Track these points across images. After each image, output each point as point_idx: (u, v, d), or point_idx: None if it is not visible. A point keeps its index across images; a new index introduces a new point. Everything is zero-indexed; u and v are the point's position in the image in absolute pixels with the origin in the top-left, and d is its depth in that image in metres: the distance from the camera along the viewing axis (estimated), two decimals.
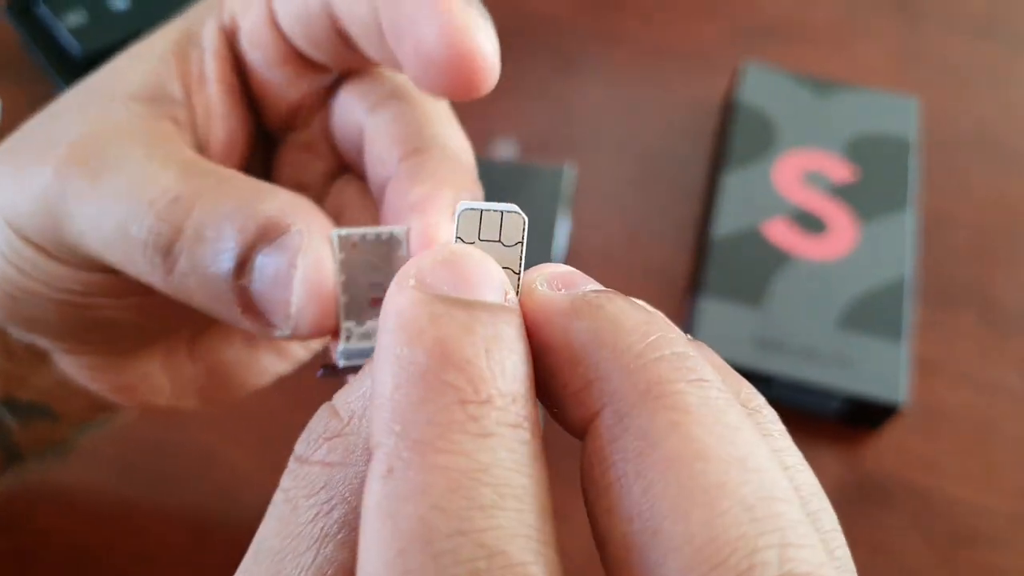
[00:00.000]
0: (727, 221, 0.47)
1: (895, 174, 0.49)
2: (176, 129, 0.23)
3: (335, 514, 0.14)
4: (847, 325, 0.44)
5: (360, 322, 0.20)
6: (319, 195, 0.27)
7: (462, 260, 0.14)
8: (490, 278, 0.14)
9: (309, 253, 0.20)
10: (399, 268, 0.16)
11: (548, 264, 0.16)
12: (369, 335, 0.20)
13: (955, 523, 0.42)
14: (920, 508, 0.42)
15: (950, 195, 0.53)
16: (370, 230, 0.20)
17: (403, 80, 0.25)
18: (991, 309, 0.48)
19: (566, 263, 0.47)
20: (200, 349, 0.29)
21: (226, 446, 0.41)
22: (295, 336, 0.21)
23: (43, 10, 0.50)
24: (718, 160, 0.51)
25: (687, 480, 0.12)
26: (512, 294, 0.15)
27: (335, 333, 0.21)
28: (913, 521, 0.42)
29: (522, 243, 0.16)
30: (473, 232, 0.16)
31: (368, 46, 0.22)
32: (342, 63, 0.24)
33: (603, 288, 0.15)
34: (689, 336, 0.15)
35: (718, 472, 0.12)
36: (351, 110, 0.25)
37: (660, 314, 0.15)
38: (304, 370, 0.31)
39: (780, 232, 0.47)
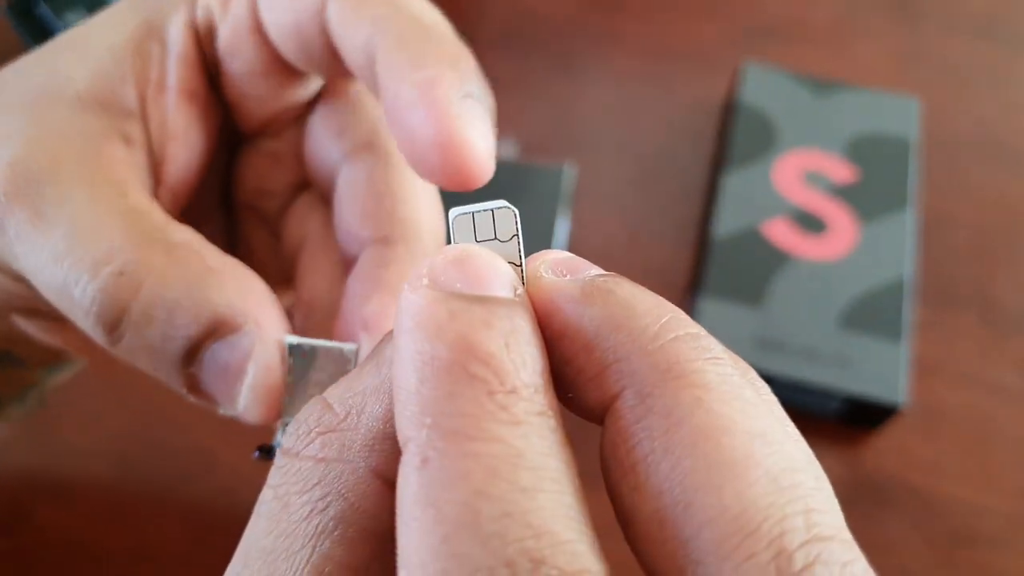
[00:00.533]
0: (727, 221, 0.47)
1: (895, 174, 0.49)
2: (126, 152, 0.22)
3: (331, 510, 0.14)
4: (847, 325, 0.44)
5: None
6: (281, 205, 0.27)
7: (472, 259, 0.14)
8: (500, 274, 0.15)
9: (260, 360, 0.20)
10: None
11: (547, 251, 0.16)
12: None
13: (955, 523, 0.42)
14: (920, 508, 0.42)
15: (950, 195, 0.53)
16: (321, 343, 0.20)
17: (381, 118, 0.24)
18: (991, 309, 0.49)
19: None
20: None
21: (226, 446, 0.41)
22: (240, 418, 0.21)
23: (43, 10, 0.50)
24: (718, 160, 0.51)
25: (715, 454, 0.13)
26: (520, 288, 0.15)
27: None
28: (913, 521, 0.42)
29: (518, 235, 0.16)
30: (469, 235, 0.16)
31: (358, 71, 0.21)
32: (330, 74, 0.23)
33: (607, 272, 0.16)
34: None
35: (744, 445, 0.13)
36: (327, 147, 0.24)
37: (663, 298, 0.16)
38: None
39: (780, 232, 0.47)
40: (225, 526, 0.39)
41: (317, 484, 0.15)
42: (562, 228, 0.47)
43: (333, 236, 0.25)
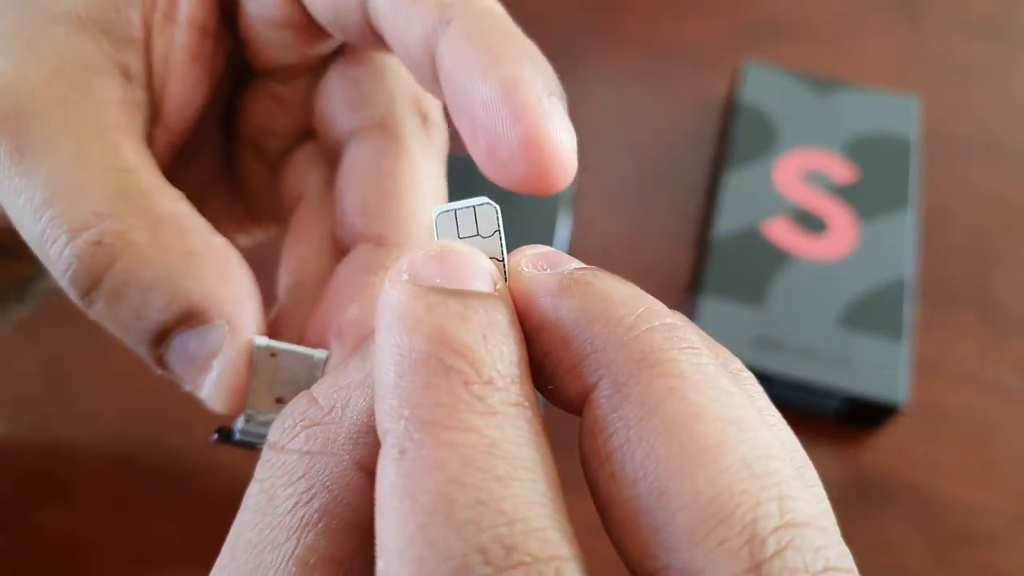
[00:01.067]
0: (728, 220, 0.47)
1: (896, 174, 0.49)
2: (123, 88, 0.21)
3: (315, 503, 0.15)
4: (847, 324, 0.44)
5: (262, 412, 0.21)
6: (282, 148, 0.26)
7: (451, 254, 0.15)
8: (479, 269, 0.15)
9: (227, 357, 0.20)
10: (308, 387, 0.17)
11: (529, 246, 0.16)
12: (267, 424, 0.20)
13: (954, 523, 0.42)
14: (919, 507, 0.43)
15: (951, 195, 0.53)
16: (292, 348, 0.20)
17: (401, 94, 0.24)
18: (991, 309, 0.49)
19: None
20: None
21: (227, 446, 0.41)
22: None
23: None
24: (719, 159, 0.51)
25: (688, 441, 0.13)
26: (501, 284, 0.15)
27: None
28: (912, 521, 0.42)
29: (499, 231, 0.16)
30: (452, 232, 0.16)
31: (409, 60, 0.20)
32: (361, 45, 0.22)
33: (586, 265, 0.16)
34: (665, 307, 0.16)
35: (717, 432, 0.13)
36: (340, 116, 0.24)
37: (640, 289, 0.16)
38: None
39: (781, 231, 0.47)
40: (225, 525, 0.39)
41: (302, 477, 0.15)
42: (563, 227, 0.47)
43: (329, 203, 0.25)
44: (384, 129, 0.23)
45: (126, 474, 0.41)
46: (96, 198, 0.19)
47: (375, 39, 0.20)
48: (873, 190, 0.48)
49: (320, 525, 0.14)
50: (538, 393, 0.15)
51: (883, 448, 0.44)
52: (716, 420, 0.13)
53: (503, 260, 0.16)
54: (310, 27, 0.22)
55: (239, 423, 0.21)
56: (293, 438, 0.15)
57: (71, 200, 0.19)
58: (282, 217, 0.26)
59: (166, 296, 0.19)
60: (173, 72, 0.22)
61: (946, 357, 0.47)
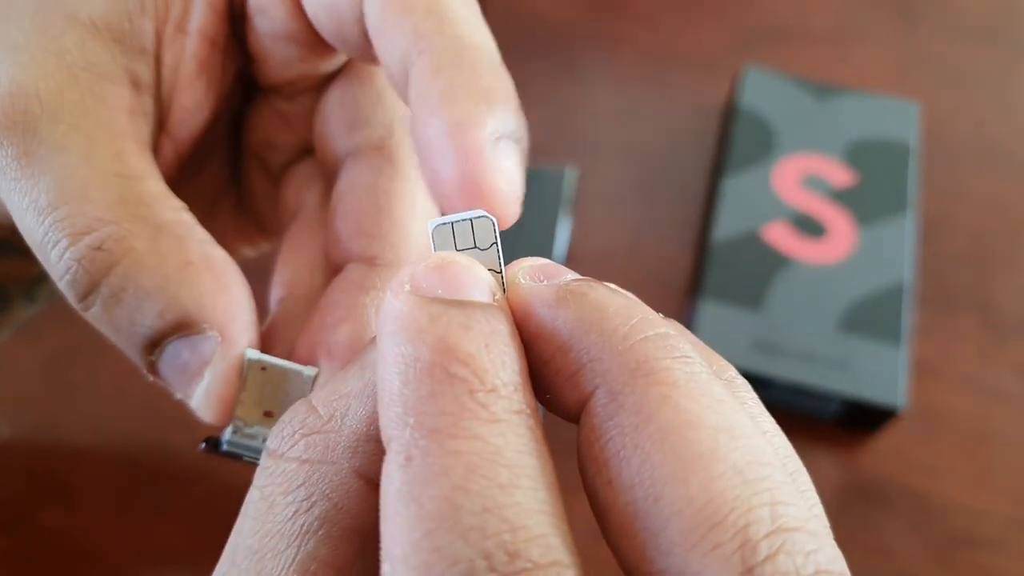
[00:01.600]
0: (727, 224, 0.47)
1: (895, 178, 0.49)
2: (132, 98, 0.21)
3: (315, 510, 0.15)
4: (846, 328, 0.44)
5: (249, 424, 0.21)
6: (284, 163, 0.26)
7: (451, 266, 0.15)
8: (478, 280, 0.15)
9: (218, 369, 0.20)
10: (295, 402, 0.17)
11: (526, 259, 0.17)
12: (255, 437, 0.21)
13: (953, 526, 0.42)
14: (918, 511, 0.43)
15: (949, 199, 0.53)
16: (282, 364, 0.21)
17: (400, 116, 0.24)
18: (990, 313, 0.49)
19: (566, 265, 0.47)
20: None
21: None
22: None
23: None
24: (718, 164, 0.51)
25: (682, 448, 0.13)
26: (499, 294, 0.15)
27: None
28: (911, 524, 0.42)
29: (496, 243, 0.16)
30: (449, 244, 0.16)
31: (392, 79, 0.20)
32: (362, 60, 0.23)
33: (582, 277, 0.16)
34: (661, 315, 0.16)
35: (710, 440, 0.13)
36: (338, 135, 0.24)
37: (635, 298, 0.16)
38: None
39: (780, 236, 0.47)
40: (227, 527, 0.39)
41: (302, 485, 0.15)
42: (563, 231, 0.47)
43: (324, 219, 0.25)
44: (381, 150, 0.23)
45: (128, 475, 0.41)
46: (99, 204, 0.19)
47: (373, 55, 0.21)
48: (872, 195, 0.49)
49: (320, 532, 0.15)
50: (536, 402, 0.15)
51: (882, 452, 0.44)
52: (709, 428, 0.13)
53: (501, 272, 0.16)
54: (315, 42, 0.22)
55: (227, 434, 0.21)
56: (292, 446, 0.16)
57: (74, 205, 0.19)
58: (282, 232, 0.27)
59: (161, 304, 0.19)
60: (182, 83, 0.22)
61: (945, 361, 0.47)
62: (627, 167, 0.53)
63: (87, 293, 0.20)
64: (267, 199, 0.27)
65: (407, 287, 0.15)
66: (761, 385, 0.43)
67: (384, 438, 0.14)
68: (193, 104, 0.22)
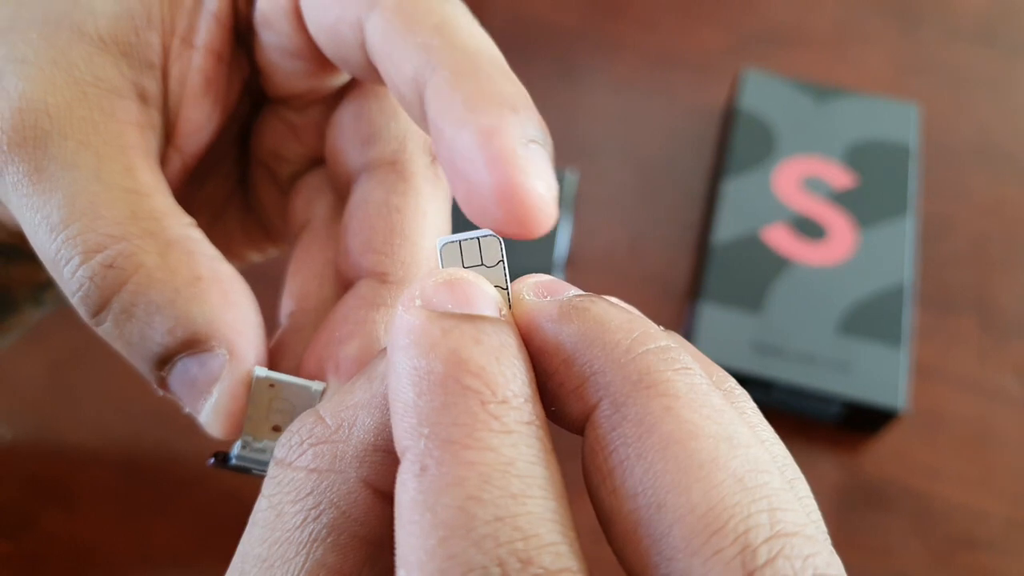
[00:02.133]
0: (727, 227, 0.47)
1: (895, 180, 0.49)
2: (140, 112, 0.21)
3: (324, 518, 0.15)
4: (847, 330, 0.44)
5: (258, 439, 0.21)
6: (293, 173, 0.26)
7: (460, 282, 0.16)
8: (486, 295, 0.16)
9: (226, 386, 0.20)
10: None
11: (530, 275, 0.17)
12: (264, 451, 0.21)
13: (953, 527, 0.42)
14: (919, 512, 0.43)
15: (950, 201, 0.53)
16: (290, 380, 0.21)
17: (412, 131, 0.24)
18: (990, 314, 0.49)
19: (567, 268, 0.48)
20: None
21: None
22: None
23: None
24: (718, 166, 0.52)
25: (684, 458, 0.14)
26: (506, 309, 0.16)
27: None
28: (912, 525, 0.42)
29: (503, 261, 0.17)
30: (456, 262, 0.17)
31: (401, 100, 0.20)
32: (368, 80, 0.23)
33: (585, 292, 0.17)
34: (663, 327, 0.16)
35: (710, 449, 0.14)
36: (351, 150, 0.24)
37: (637, 311, 0.16)
38: None
39: (780, 238, 0.47)
40: (230, 531, 0.39)
41: (310, 494, 0.15)
42: (564, 234, 0.47)
43: (334, 231, 0.25)
44: (394, 166, 0.24)
45: (130, 479, 0.41)
46: (110, 220, 0.19)
47: (377, 76, 0.20)
48: (872, 197, 0.49)
49: (329, 540, 0.15)
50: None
51: (882, 453, 0.44)
52: (709, 437, 0.14)
53: (507, 288, 0.17)
54: (321, 59, 0.22)
55: (236, 449, 0.21)
56: (300, 455, 0.16)
57: (86, 221, 0.19)
58: (290, 241, 0.27)
59: (171, 321, 0.20)
60: (188, 96, 0.22)
61: (945, 363, 0.47)
62: (627, 170, 0.53)
63: (99, 309, 0.20)
64: (276, 208, 0.27)
65: (418, 302, 0.15)
66: (762, 387, 0.43)
67: (399, 448, 0.14)
68: (200, 117, 0.23)
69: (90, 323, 0.20)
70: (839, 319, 0.44)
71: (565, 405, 0.15)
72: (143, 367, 0.21)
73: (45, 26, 0.20)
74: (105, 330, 0.20)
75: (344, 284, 0.24)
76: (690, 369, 0.15)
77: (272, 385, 0.21)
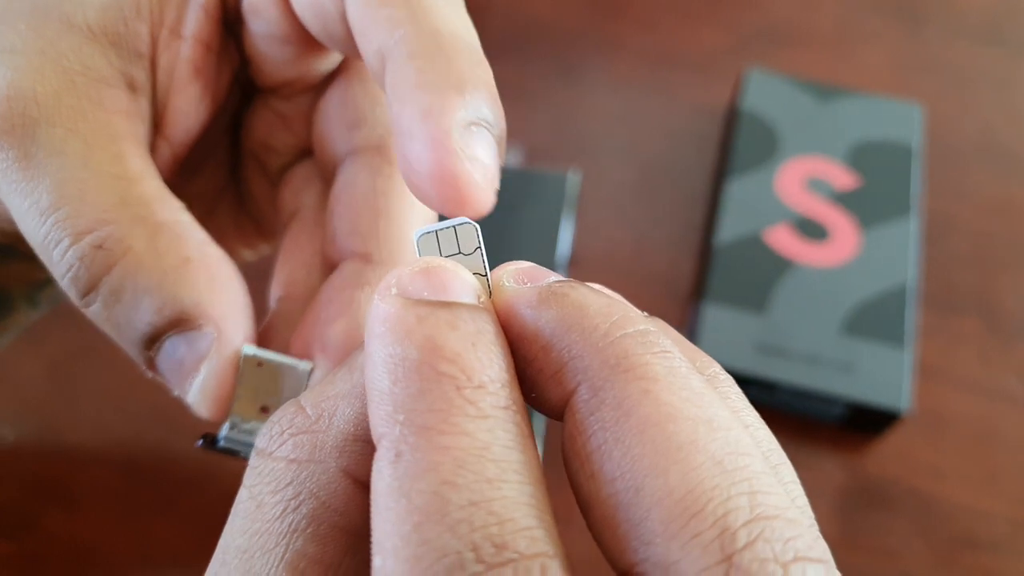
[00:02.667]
0: (730, 228, 0.47)
1: (898, 180, 0.49)
2: (129, 101, 0.21)
3: (304, 508, 0.15)
4: (850, 331, 0.44)
5: (246, 420, 0.21)
6: (283, 164, 0.26)
7: (436, 270, 0.16)
8: (463, 283, 0.16)
9: (214, 364, 0.20)
10: (292, 397, 0.17)
11: (511, 262, 0.17)
12: (251, 433, 0.21)
13: (957, 528, 0.42)
14: (922, 513, 0.42)
15: (953, 201, 0.53)
16: (277, 358, 0.21)
17: (387, 121, 0.24)
18: (994, 315, 0.49)
19: (569, 269, 0.47)
20: None
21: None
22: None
23: None
24: (721, 166, 0.51)
25: (662, 440, 0.13)
26: (485, 297, 0.16)
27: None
28: (915, 526, 0.42)
29: (480, 248, 0.17)
30: (434, 252, 0.17)
31: (373, 73, 0.20)
32: (353, 57, 0.23)
33: (565, 278, 0.16)
34: (646, 313, 0.16)
35: (688, 431, 0.14)
36: (336, 135, 0.24)
37: (619, 296, 0.16)
38: None
39: (783, 239, 0.47)
40: None
41: (290, 484, 0.15)
42: (566, 234, 0.47)
43: (323, 221, 0.25)
44: (379, 150, 0.24)
45: (131, 479, 0.41)
46: (99, 205, 0.20)
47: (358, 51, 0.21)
48: (875, 197, 0.49)
49: (309, 530, 0.15)
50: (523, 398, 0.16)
51: (886, 454, 0.44)
52: (688, 420, 0.14)
53: (486, 276, 0.17)
54: (309, 42, 0.22)
55: (224, 431, 0.21)
56: (281, 445, 0.16)
57: (75, 205, 0.19)
58: (281, 232, 0.27)
59: (158, 301, 0.20)
60: (176, 86, 0.22)
61: (949, 363, 0.47)
62: (629, 170, 0.53)
63: (88, 290, 0.20)
64: (266, 201, 0.28)
65: (394, 290, 0.15)
66: (765, 388, 0.43)
67: (374, 436, 0.14)
68: (189, 107, 0.23)
69: (79, 304, 0.20)
70: (842, 320, 0.44)
71: (544, 391, 0.15)
72: (131, 348, 0.21)
73: (34, 16, 0.20)
74: (94, 312, 0.20)
75: (331, 268, 0.24)
76: (669, 352, 0.15)
77: (260, 364, 0.21)
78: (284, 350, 0.23)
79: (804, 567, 0.12)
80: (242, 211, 0.29)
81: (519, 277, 0.16)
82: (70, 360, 0.44)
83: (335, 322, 0.22)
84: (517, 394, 0.15)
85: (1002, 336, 0.48)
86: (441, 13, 0.19)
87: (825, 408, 0.43)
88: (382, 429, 0.14)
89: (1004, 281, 0.50)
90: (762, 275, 0.46)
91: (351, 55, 0.23)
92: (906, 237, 0.47)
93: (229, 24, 0.23)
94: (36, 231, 0.20)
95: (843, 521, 0.42)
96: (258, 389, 0.21)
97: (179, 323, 0.20)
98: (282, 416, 0.16)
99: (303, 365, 0.21)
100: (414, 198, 0.23)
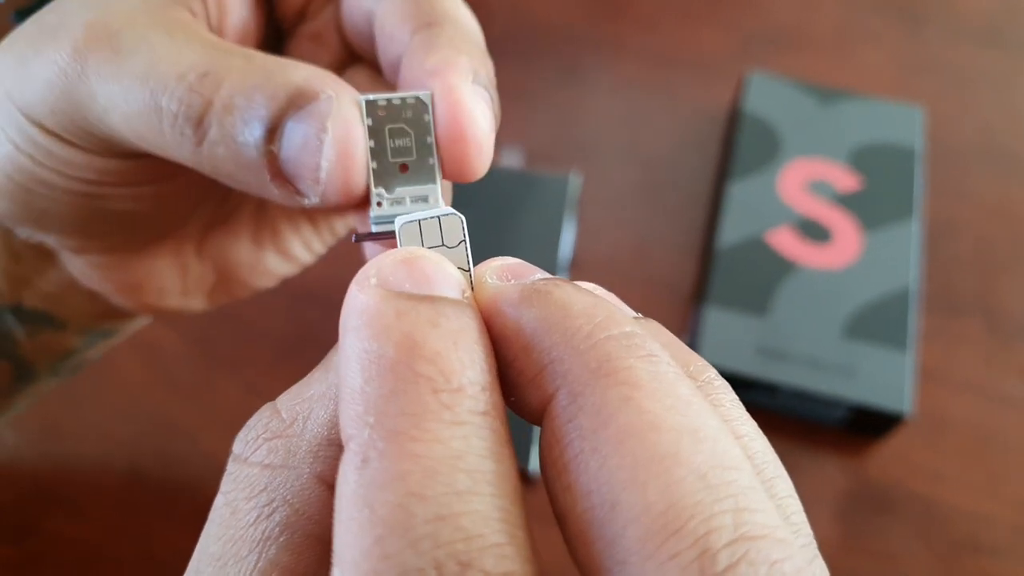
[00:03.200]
0: (732, 230, 0.47)
1: (900, 183, 0.49)
2: (191, 19, 0.23)
3: (277, 516, 0.15)
4: (852, 334, 0.44)
5: (389, 189, 0.20)
6: None
7: (420, 260, 0.15)
8: (448, 276, 0.15)
9: (339, 117, 0.20)
10: (426, 131, 0.18)
11: (496, 258, 0.16)
12: (399, 202, 0.20)
13: (958, 532, 0.42)
14: (923, 517, 0.42)
15: (955, 203, 0.53)
16: (396, 95, 0.20)
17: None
18: (996, 318, 0.49)
19: (571, 271, 0.47)
20: (208, 248, 0.29)
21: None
22: (323, 203, 0.20)
23: None
24: (723, 169, 0.51)
25: (641, 452, 0.12)
26: (469, 291, 0.15)
27: (361, 204, 0.21)
28: (916, 529, 0.42)
29: (465, 241, 0.16)
30: (416, 242, 0.16)
31: (352, 30, 0.21)
32: None
33: (550, 276, 0.16)
34: (638, 314, 0.16)
35: (670, 442, 0.12)
36: (396, 38, 0.23)
37: (609, 296, 0.16)
38: None
39: (785, 241, 0.47)
40: None
41: (263, 490, 0.15)
42: (568, 236, 0.47)
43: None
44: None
45: (133, 484, 0.41)
46: (192, 53, 0.20)
47: None
48: (877, 199, 0.48)
49: (282, 539, 0.15)
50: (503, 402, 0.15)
51: (888, 457, 0.44)
52: (671, 430, 0.13)
53: (469, 271, 0.16)
54: None
55: (372, 214, 0.20)
56: (255, 451, 0.15)
57: (171, 62, 0.20)
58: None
59: (270, 89, 0.20)
60: (227, 12, 0.24)
61: (951, 366, 0.47)
62: (631, 172, 0.53)
63: (202, 115, 0.20)
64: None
65: (373, 280, 0.14)
66: (767, 391, 0.43)
67: (343, 437, 0.13)
68: (240, 28, 0.24)
69: (194, 143, 0.20)
70: (844, 323, 0.44)
71: (524, 395, 0.15)
72: (253, 158, 0.20)
73: None
74: (210, 143, 0.20)
75: (392, 73, 0.24)
76: (655, 356, 0.14)
77: (381, 111, 0.20)
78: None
79: None
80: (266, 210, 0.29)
81: (503, 273, 0.16)
82: None
83: (429, 57, 0.21)
84: (497, 398, 0.14)
85: (1004, 338, 0.48)
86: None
87: (827, 411, 0.43)
88: (351, 431, 0.13)
89: (1006, 283, 0.50)
90: (764, 277, 0.46)
91: None
92: (908, 239, 0.47)
93: None
94: (139, 99, 0.20)
95: (844, 524, 0.42)
96: (391, 148, 0.20)
97: (296, 99, 0.20)
98: (258, 420, 0.16)
99: (423, 92, 0.20)
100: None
